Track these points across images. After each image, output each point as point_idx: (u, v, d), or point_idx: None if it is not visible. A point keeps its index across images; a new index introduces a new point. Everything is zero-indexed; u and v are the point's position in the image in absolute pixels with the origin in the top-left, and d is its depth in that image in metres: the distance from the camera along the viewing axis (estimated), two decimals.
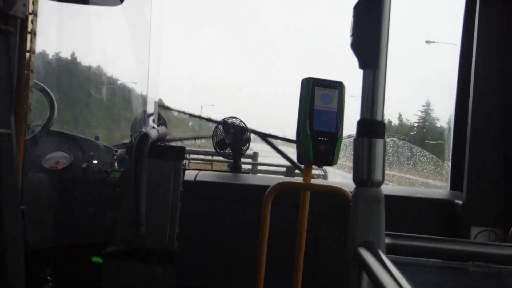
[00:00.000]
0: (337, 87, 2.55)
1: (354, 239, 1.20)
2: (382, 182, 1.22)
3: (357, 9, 1.23)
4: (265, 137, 3.91)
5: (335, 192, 2.58)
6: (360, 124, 1.24)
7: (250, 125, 3.57)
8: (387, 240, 1.26)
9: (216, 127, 3.61)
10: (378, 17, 1.21)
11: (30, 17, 2.11)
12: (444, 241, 1.38)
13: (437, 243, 1.37)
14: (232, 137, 3.57)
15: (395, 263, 1.05)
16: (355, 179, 1.24)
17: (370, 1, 1.21)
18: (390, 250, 1.27)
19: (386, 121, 1.49)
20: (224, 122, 3.60)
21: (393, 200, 3.07)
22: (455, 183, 3.49)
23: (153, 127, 3.00)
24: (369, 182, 1.21)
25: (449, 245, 1.37)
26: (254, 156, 7.36)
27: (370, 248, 1.15)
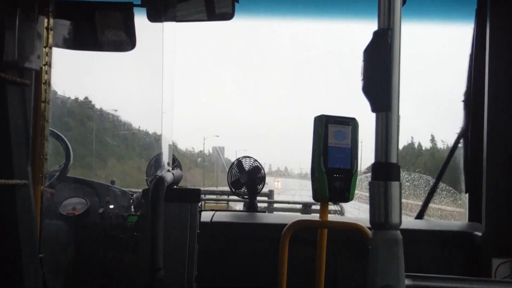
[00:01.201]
0: (350, 123, 2.56)
1: (374, 283, 1.19)
2: (399, 224, 1.22)
3: (367, 52, 1.24)
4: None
5: (352, 229, 2.57)
6: (375, 167, 1.24)
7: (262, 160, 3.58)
8: (408, 282, 1.25)
9: (231, 166, 3.63)
10: (388, 60, 1.21)
11: (45, 68, 2.14)
12: (465, 280, 1.37)
13: (458, 282, 1.36)
14: (247, 176, 3.58)
15: None
16: (372, 222, 1.23)
17: (380, 45, 1.22)
18: None
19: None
20: (238, 162, 3.61)
21: (412, 234, 3.05)
22: (473, 214, 3.47)
23: (168, 170, 3.00)
24: (387, 225, 1.21)
25: (470, 285, 1.36)
26: (270, 194, 7.36)
27: None
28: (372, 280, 1.20)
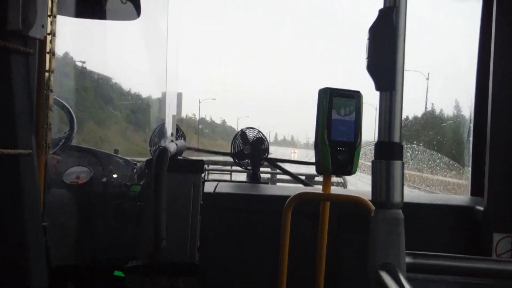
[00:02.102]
0: (355, 96, 2.55)
1: (374, 261, 1.20)
2: (401, 203, 1.22)
3: (372, 31, 1.23)
4: (275, 163, 3.92)
5: (355, 202, 2.58)
6: (378, 146, 1.24)
7: (269, 127, 3.58)
8: (408, 260, 1.26)
9: (235, 137, 3.63)
10: (393, 39, 1.21)
11: (49, 37, 2.13)
12: (465, 258, 1.38)
13: (458, 261, 1.37)
14: (251, 147, 3.59)
15: (416, 281, 1.05)
16: (374, 201, 1.24)
17: (385, 23, 1.21)
18: (412, 269, 1.27)
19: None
20: (242, 133, 3.61)
21: (414, 208, 3.06)
22: (476, 188, 3.47)
23: (172, 141, 3.01)
24: (388, 204, 1.21)
25: (470, 263, 1.37)
26: None
27: (390, 271, 1.15)
28: (372, 258, 1.21)
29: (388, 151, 1.23)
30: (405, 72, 1.25)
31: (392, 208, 1.21)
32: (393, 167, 1.22)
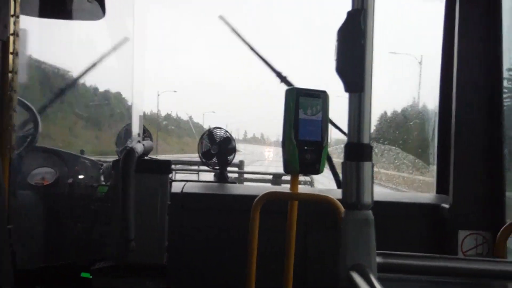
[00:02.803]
0: (321, 96, 2.56)
1: (345, 262, 1.20)
2: (371, 204, 1.23)
3: (340, 33, 1.24)
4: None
5: (323, 201, 2.59)
6: (348, 147, 1.25)
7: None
8: (379, 260, 1.26)
9: (202, 137, 3.62)
10: (361, 40, 1.21)
11: (12, 38, 2.10)
12: (434, 258, 1.39)
13: (427, 260, 1.38)
14: (218, 147, 3.58)
15: (387, 280, 1.06)
16: (344, 202, 1.24)
17: (353, 25, 1.22)
18: (382, 269, 1.28)
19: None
20: (209, 132, 3.61)
21: (380, 206, 3.07)
22: (441, 186, 3.51)
23: (139, 141, 2.99)
24: (358, 205, 1.22)
25: (438, 262, 1.38)
26: (240, 164, 7.37)
27: (361, 271, 1.15)
28: (343, 259, 1.21)
29: (357, 152, 1.23)
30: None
31: (362, 209, 1.22)
32: (363, 168, 1.22)
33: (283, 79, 3.69)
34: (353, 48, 1.22)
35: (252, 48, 3.79)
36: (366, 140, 1.23)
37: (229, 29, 3.83)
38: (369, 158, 1.23)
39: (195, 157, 3.88)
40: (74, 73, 4.02)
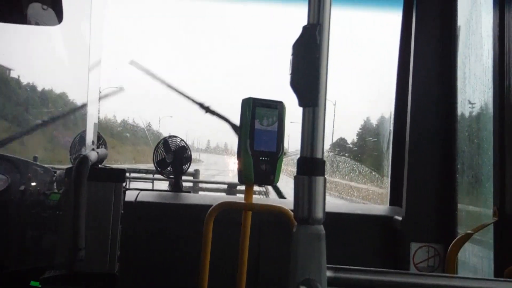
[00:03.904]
0: (278, 106, 2.57)
1: (295, 277, 1.20)
2: (323, 219, 1.23)
3: (295, 47, 1.24)
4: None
5: (276, 211, 2.60)
6: (300, 161, 1.25)
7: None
8: (329, 274, 1.27)
9: (157, 146, 3.60)
10: (316, 55, 1.21)
11: None
12: (385, 273, 1.40)
13: (378, 275, 1.39)
14: (173, 156, 3.57)
15: None
16: (296, 217, 1.24)
17: (308, 40, 1.22)
18: (333, 283, 1.28)
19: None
20: (165, 141, 3.59)
21: (334, 217, 3.10)
22: (395, 198, 3.55)
23: (93, 149, 2.96)
24: (310, 219, 1.22)
25: (389, 277, 1.39)
26: (195, 173, 7.35)
27: (310, 286, 1.16)
28: (293, 274, 1.21)
29: (310, 167, 1.23)
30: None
31: (314, 224, 1.22)
32: (315, 182, 1.22)
33: (207, 109, 3.74)
34: (308, 63, 1.22)
35: (170, 86, 3.84)
36: (319, 154, 1.23)
37: (143, 71, 3.88)
38: (322, 173, 1.23)
39: (146, 167, 3.88)
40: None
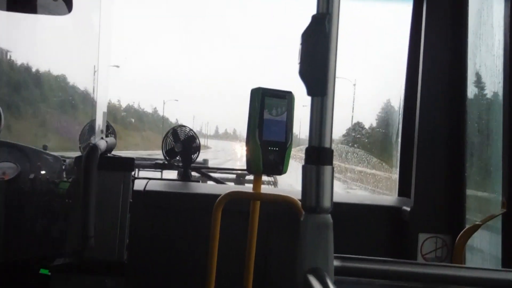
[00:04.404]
0: (287, 96, 2.57)
1: (302, 265, 1.21)
2: (330, 208, 1.23)
3: (304, 36, 1.24)
4: (200, 170, 3.97)
5: (284, 201, 2.61)
6: (308, 151, 1.25)
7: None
8: (336, 263, 1.27)
9: (166, 135, 3.61)
10: (325, 44, 1.21)
11: None
12: (392, 262, 1.41)
13: (385, 264, 1.40)
14: (182, 145, 3.58)
15: (344, 283, 1.07)
16: (303, 206, 1.24)
17: (317, 30, 1.22)
18: (340, 272, 1.29)
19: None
20: (173, 130, 3.60)
21: (342, 207, 3.10)
22: (403, 189, 3.54)
23: (102, 138, 2.97)
24: (318, 208, 1.22)
25: (396, 267, 1.40)
26: (204, 163, 7.33)
27: (318, 275, 1.16)
28: (301, 262, 1.21)
29: (318, 156, 1.23)
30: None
31: (321, 213, 1.22)
32: (323, 172, 1.22)
33: None
34: (316, 52, 1.22)
35: None
36: (327, 144, 1.23)
37: None
38: (330, 162, 1.24)
39: (146, 154, 3.89)
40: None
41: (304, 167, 1.25)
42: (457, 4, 3.11)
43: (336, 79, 1.24)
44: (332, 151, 1.25)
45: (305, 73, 1.24)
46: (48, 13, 2.88)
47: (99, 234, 2.54)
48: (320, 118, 1.23)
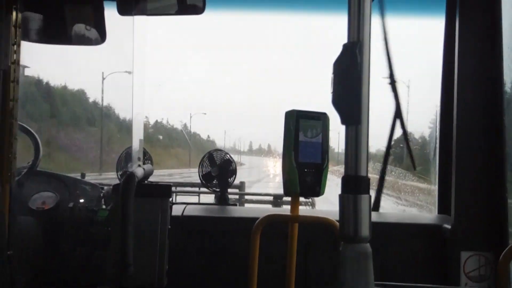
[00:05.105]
0: (321, 118, 2.56)
1: None
2: (369, 237, 1.22)
3: (336, 65, 1.24)
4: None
5: (323, 223, 2.59)
6: (345, 180, 1.24)
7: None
8: None
9: (202, 159, 3.63)
10: (357, 73, 1.21)
11: (13, 66, 2.11)
12: None
13: None
14: (218, 169, 3.59)
15: None
16: (342, 235, 1.24)
17: (349, 58, 1.22)
18: None
19: None
20: (209, 155, 3.62)
21: (381, 227, 3.08)
22: (443, 206, 3.50)
23: (139, 165, 2.99)
24: (356, 238, 1.22)
25: None
26: (241, 186, 7.33)
27: None
28: None
29: (355, 185, 1.23)
30: None
31: (360, 242, 1.22)
32: (360, 201, 1.22)
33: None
34: (349, 81, 1.22)
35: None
36: (363, 172, 1.23)
37: None
38: (367, 191, 1.23)
39: (168, 174, 3.92)
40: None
41: (341, 196, 1.25)
42: (491, 16, 3.08)
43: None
44: (369, 180, 1.24)
45: (338, 102, 1.24)
46: (83, 43, 2.92)
47: (138, 261, 2.55)
48: (355, 146, 1.23)
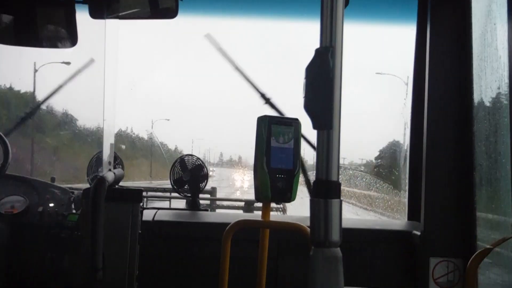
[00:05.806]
0: (293, 124, 2.57)
1: None
2: (339, 242, 1.23)
3: (308, 70, 1.24)
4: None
5: (294, 229, 2.60)
6: (316, 184, 1.25)
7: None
8: None
9: (173, 165, 3.62)
10: (329, 78, 1.22)
11: None
12: None
13: None
14: (190, 174, 3.58)
15: None
16: (312, 240, 1.24)
17: (321, 63, 1.22)
18: None
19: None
20: (181, 160, 3.61)
21: (351, 233, 3.09)
22: (413, 213, 3.52)
23: (109, 170, 2.97)
24: (326, 242, 1.22)
25: None
26: (213, 191, 7.31)
27: None
28: None
29: (326, 189, 1.23)
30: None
31: (330, 247, 1.22)
32: (331, 205, 1.22)
33: (267, 100, 3.67)
34: (321, 86, 1.22)
35: (237, 68, 3.80)
36: (334, 177, 1.23)
37: (215, 48, 3.85)
38: (338, 195, 1.23)
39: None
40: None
41: (312, 201, 1.25)
42: (461, 27, 3.11)
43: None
44: (339, 184, 1.25)
45: (310, 107, 1.24)
46: (54, 46, 2.90)
47: (109, 265, 2.53)
48: (326, 151, 1.23)
